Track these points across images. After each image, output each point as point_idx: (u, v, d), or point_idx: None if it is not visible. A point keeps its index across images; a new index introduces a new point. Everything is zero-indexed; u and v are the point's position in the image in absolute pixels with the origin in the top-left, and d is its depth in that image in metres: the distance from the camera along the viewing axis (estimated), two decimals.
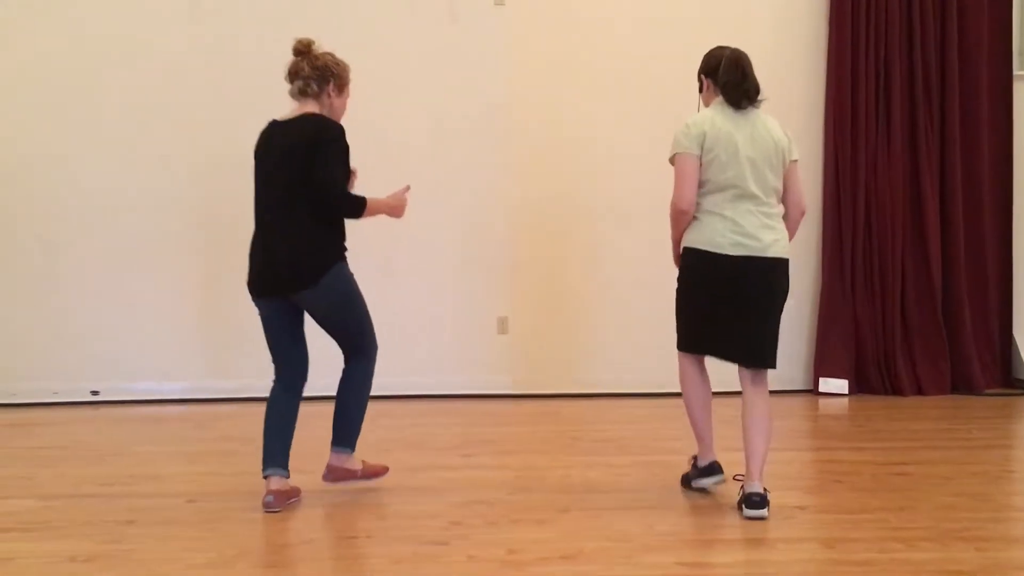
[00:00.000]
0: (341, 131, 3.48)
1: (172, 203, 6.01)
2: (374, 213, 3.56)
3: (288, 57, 5.99)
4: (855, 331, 6.18)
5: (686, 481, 3.75)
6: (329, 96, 3.59)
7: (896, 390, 6.10)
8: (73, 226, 5.97)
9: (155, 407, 5.86)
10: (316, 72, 3.56)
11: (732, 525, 3.32)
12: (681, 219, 3.51)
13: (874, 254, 6.18)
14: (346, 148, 3.48)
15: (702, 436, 3.65)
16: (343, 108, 3.67)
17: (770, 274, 3.47)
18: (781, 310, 3.56)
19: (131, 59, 5.98)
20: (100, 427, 5.31)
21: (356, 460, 3.70)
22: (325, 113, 3.59)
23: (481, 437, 4.86)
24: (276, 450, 3.57)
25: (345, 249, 3.58)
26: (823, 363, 6.17)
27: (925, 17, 6.13)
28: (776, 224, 3.50)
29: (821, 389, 6.11)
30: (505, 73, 6.13)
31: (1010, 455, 4.63)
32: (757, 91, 3.49)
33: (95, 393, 5.98)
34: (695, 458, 3.74)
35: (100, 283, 5.99)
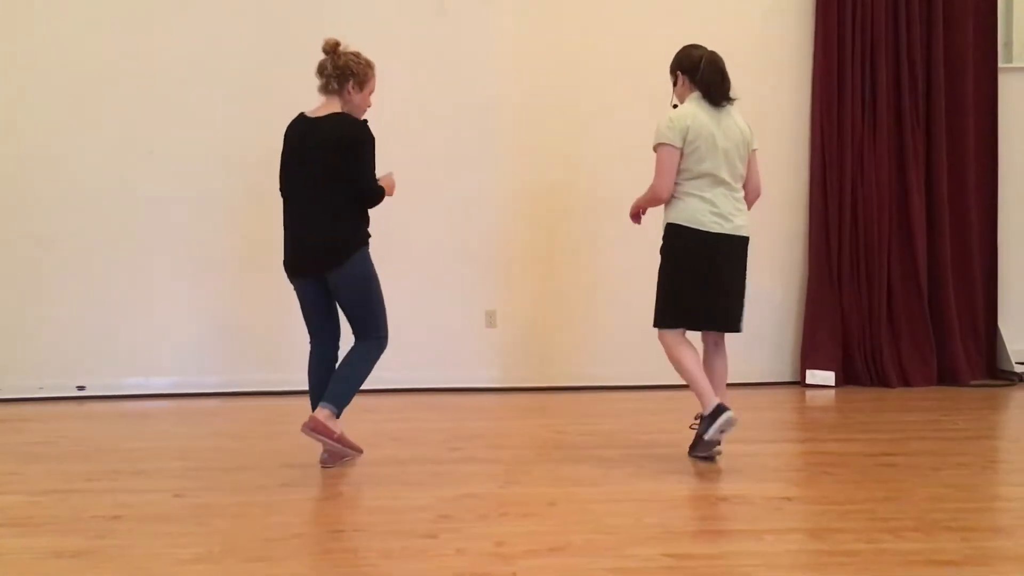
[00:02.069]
0: (367, 130, 3.82)
1: (159, 198, 5.98)
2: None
3: (283, 52, 6.03)
4: (842, 323, 6.21)
5: (697, 445, 3.93)
6: (349, 93, 3.86)
7: (883, 382, 6.14)
8: (60, 221, 5.94)
9: (142, 402, 5.84)
10: (337, 71, 3.83)
11: (719, 517, 3.33)
12: (655, 203, 3.99)
13: (860, 246, 6.20)
14: (373, 144, 3.83)
15: (703, 390, 3.84)
16: (365, 104, 3.94)
17: (740, 250, 3.96)
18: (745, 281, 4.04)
19: (122, 55, 5.94)
20: (86, 422, 5.29)
21: (338, 424, 3.83)
22: (347, 109, 3.87)
23: (470, 431, 4.86)
24: (318, 396, 3.91)
25: (369, 235, 3.90)
26: (810, 355, 6.20)
27: (911, 9, 6.16)
28: (742, 207, 3.96)
29: (808, 381, 6.14)
30: (493, 66, 6.12)
31: (996, 446, 4.66)
32: (731, 88, 3.88)
33: (81, 388, 5.95)
34: (699, 416, 3.93)
35: (86, 278, 5.95)
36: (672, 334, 3.96)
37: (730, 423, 3.81)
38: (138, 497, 3.57)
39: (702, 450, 3.93)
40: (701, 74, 3.81)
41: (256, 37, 6.00)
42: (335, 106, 3.85)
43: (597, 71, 6.14)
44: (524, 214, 6.16)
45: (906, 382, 6.15)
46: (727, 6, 6.19)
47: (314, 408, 3.92)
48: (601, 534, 3.07)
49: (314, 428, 3.75)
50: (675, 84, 3.97)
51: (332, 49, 3.84)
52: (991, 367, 6.42)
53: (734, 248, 3.92)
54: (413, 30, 6.06)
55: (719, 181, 3.83)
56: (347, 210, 3.81)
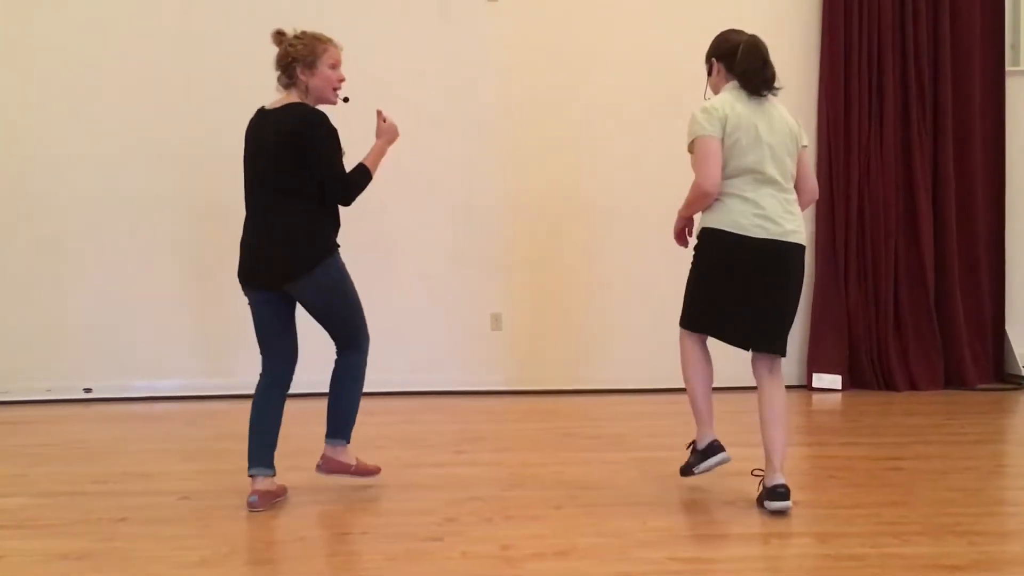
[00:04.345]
0: (323, 121, 3.40)
1: (165, 200, 6.00)
2: (378, 163, 3.56)
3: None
4: (848, 326, 6.20)
5: (687, 470, 3.64)
6: (301, 79, 3.50)
7: (889, 385, 6.12)
8: (66, 223, 5.96)
9: (148, 404, 5.85)
10: (280, 63, 3.53)
11: (725, 521, 3.32)
12: (704, 200, 3.42)
13: (867, 250, 6.19)
14: (334, 134, 3.42)
15: (702, 415, 3.55)
16: (324, 82, 3.52)
17: (789, 259, 3.43)
18: (798, 297, 3.53)
19: (124, 56, 5.97)
20: (93, 425, 5.30)
21: (351, 454, 3.70)
22: (311, 97, 3.53)
23: (475, 434, 4.86)
24: (261, 448, 3.54)
25: (337, 244, 3.56)
26: (816, 358, 6.19)
27: (917, 13, 6.15)
28: (795, 210, 3.46)
29: (814, 384, 6.13)
30: (498, 70, 6.13)
31: (1003, 450, 4.64)
32: (775, 78, 3.45)
33: (88, 391, 5.97)
34: (693, 443, 3.65)
35: (93, 280, 5.98)
36: (691, 340, 3.58)
37: (722, 463, 3.54)
38: (144, 500, 3.58)
39: (692, 474, 3.64)
40: (739, 60, 3.40)
41: (260, 40, 5.99)
42: (292, 97, 3.51)
43: (601, 75, 6.14)
44: (529, 217, 6.16)
45: (913, 386, 6.13)
46: (733, 12, 6.16)
47: (251, 463, 3.53)
48: (607, 538, 3.07)
49: (330, 469, 3.63)
50: (709, 73, 3.58)
51: (276, 41, 3.55)
52: (998, 371, 6.40)
53: (784, 256, 3.39)
54: (416, 34, 6.07)
55: (766, 180, 3.36)
56: (306, 218, 3.43)
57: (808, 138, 3.59)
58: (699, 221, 3.54)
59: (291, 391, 5.78)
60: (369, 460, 4.07)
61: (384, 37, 6.01)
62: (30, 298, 5.95)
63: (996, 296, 6.41)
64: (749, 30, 6.04)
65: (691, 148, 3.41)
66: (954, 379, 6.20)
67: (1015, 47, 6.41)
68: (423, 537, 3.09)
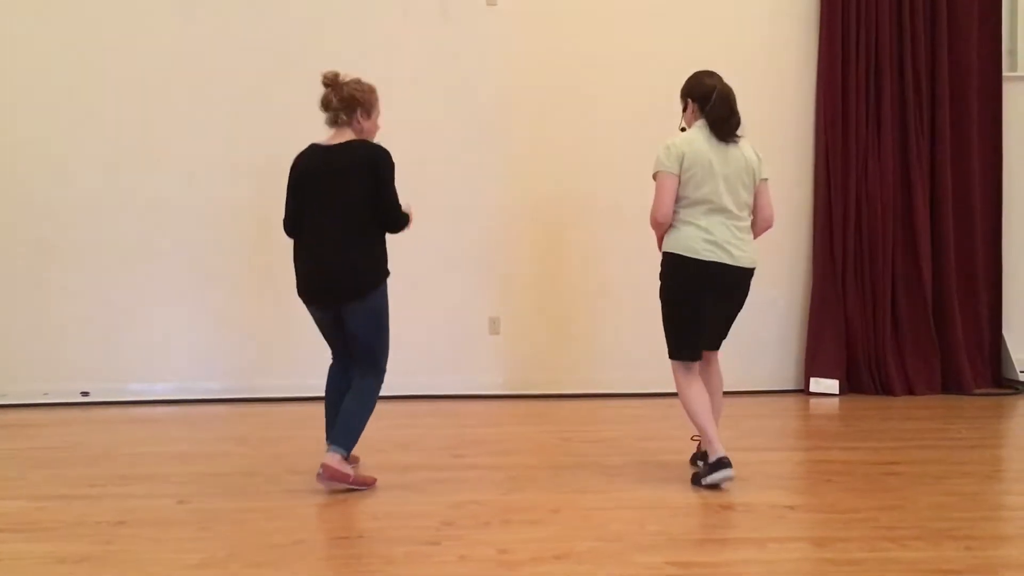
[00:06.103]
0: (389, 156, 3.78)
1: (163, 204, 5.99)
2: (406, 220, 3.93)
3: (289, 58, 6.03)
4: (846, 331, 6.20)
5: (697, 480, 3.81)
6: (359, 122, 3.85)
7: (887, 390, 6.13)
8: (63, 227, 5.95)
9: (146, 408, 5.84)
10: (343, 103, 3.81)
11: (723, 525, 3.33)
12: (657, 228, 3.94)
13: (865, 254, 6.20)
14: (394, 168, 3.80)
15: (709, 435, 3.78)
16: (375, 129, 3.93)
17: (739, 282, 3.89)
18: (741, 306, 4.02)
19: (126, 59, 5.96)
20: (90, 428, 5.29)
21: (348, 465, 3.74)
22: (359, 137, 3.86)
23: (473, 437, 4.86)
24: (334, 416, 3.88)
25: (388, 271, 3.86)
26: (814, 363, 6.19)
27: (915, 18, 6.16)
28: (745, 236, 3.89)
29: (812, 389, 6.13)
30: (497, 74, 6.14)
31: (1000, 455, 4.65)
32: (739, 125, 3.85)
33: (85, 394, 5.96)
34: (704, 456, 3.86)
35: (90, 284, 5.97)
36: (681, 369, 3.88)
37: (727, 479, 3.72)
38: (142, 503, 3.58)
39: (701, 485, 3.79)
40: (711, 107, 3.79)
41: (262, 43, 6.02)
42: (348, 135, 3.81)
43: (601, 78, 6.15)
44: (527, 221, 6.16)
45: (910, 390, 6.14)
46: (731, 16, 6.19)
47: (329, 429, 3.88)
48: (605, 541, 3.08)
49: (330, 476, 3.67)
50: (684, 109, 3.95)
51: (332, 81, 3.80)
52: (996, 375, 6.41)
53: (731, 279, 3.84)
54: (417, 36, 6.07)
55: (718, 209, 3.77)
56: (373, 242, 3.80)
57: (768, 171, 3.95)
58: (663, 245, 3.95)
59: (292, 395, 5.82)
60: (367, 463, 4.10)
61: (384, 40, 6.01)
62: (27, 301, 5.94)
63: (993, 301, 6.42)
64: (749, 33, 6.16)
65: (654, 177, 3.85)
66: (951, 384, 6.20)
67: (1012, 52, 6.43)
68: (421, 541, 3.09)
